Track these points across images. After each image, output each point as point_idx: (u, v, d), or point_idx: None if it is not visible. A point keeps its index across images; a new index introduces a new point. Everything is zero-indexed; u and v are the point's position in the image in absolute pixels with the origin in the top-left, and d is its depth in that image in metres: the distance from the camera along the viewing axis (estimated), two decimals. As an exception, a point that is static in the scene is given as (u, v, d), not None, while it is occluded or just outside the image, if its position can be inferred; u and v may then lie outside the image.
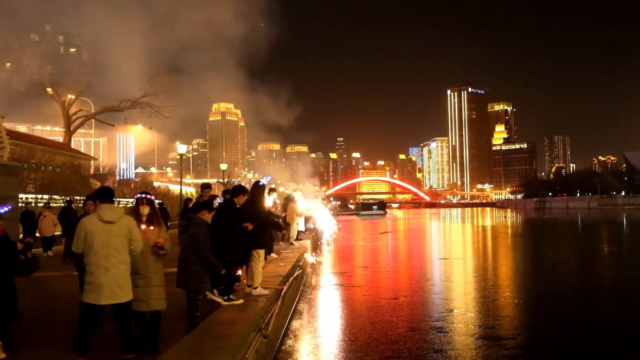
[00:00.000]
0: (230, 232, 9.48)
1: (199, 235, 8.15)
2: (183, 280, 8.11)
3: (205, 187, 14.85)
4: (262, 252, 10.94)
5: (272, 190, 19.79)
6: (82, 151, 76.75)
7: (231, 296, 9.69)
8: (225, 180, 77.30)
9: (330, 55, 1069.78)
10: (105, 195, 6.84)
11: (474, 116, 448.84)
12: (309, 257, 21.13)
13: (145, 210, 7.26)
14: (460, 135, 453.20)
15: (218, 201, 10.65)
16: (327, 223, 35.08)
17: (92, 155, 70.17)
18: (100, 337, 7.23)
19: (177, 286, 8.21)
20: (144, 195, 7.35)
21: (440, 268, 23.13)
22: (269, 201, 14.76)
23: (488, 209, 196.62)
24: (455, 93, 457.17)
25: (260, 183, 11.41)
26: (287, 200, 22.59)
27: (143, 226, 7.17)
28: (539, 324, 12.18)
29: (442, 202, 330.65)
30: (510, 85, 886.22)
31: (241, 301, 9.55)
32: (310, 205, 31.84)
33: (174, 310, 8.31)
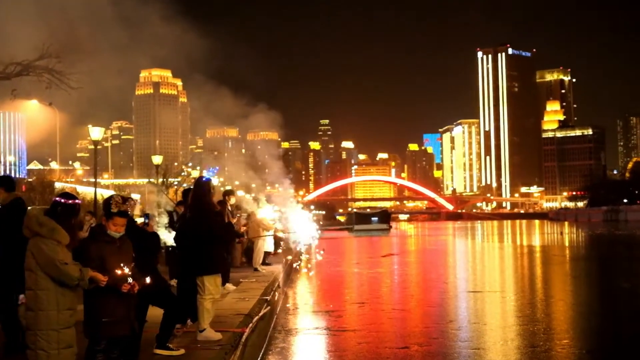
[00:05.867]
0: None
1: None
2: None
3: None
4: (213, 279, 10.89)
5: (228, 193, 19.76)
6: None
7: (168, 344, 9.66)
8: (160, 180, 76.94)
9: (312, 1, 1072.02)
10: None
11: (516, 89, 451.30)
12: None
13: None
14: (497, 117, 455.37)
15: (146, 221, 10.54)
16: (307, 235, 35.25)
17: (-34, 143, 69.56)
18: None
19: None
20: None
21: (469, 305, 23.24)
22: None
23: (536, 221, 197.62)
24: (489, 56, 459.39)
25: (205, 179, 11.43)
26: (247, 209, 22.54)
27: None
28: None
29: (472, 212, 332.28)
30: (568, 45, 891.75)
31: (182, 351, 9.53)
32: (283, 214, 31.78)
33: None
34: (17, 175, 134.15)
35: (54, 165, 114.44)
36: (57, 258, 6.97)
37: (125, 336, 7.92)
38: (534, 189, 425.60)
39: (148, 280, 7.84)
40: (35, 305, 7.06)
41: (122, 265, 7.48)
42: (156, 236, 10.83)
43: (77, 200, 7.55)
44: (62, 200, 7.39)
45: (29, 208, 8.03)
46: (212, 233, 10.82)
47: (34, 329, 7.06)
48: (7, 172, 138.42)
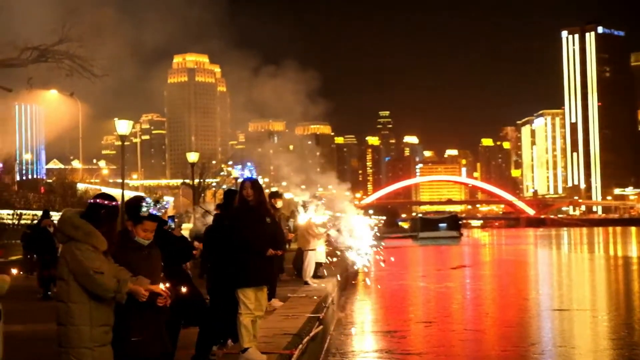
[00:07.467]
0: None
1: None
2: None
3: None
4: (251, 293, 10.85)
5: (274, 195, 19.71)
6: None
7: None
8: (197, 180, 77.67)
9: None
10: None
11: (608, 74, 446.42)
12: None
13: None
14: (585, 107, 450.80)
15: (170, 224, 10.72)
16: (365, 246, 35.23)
17: (-23, 138, 70.62)
18: None
19: None
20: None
21: (554, 325, 23.14)
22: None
23: (633, 228, 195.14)
24: (576, 36, 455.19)
25: (250, 178, 11.43)
26: (292, 214, 22.53)
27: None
28: None
29: (556, 217, 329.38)
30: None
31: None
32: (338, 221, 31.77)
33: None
34: (35, 176, 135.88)
35: (76, 164, 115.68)
36: (91, 266, 6.88)
37: (156, 357, 7.83)
38: (630, 191, 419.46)
39: (184, 289, 7.79)
40: (67, 320, 6.99)
41: (161, 276, 7.43)
42: (185, 240, 10.87)
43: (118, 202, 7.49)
44: (105, 202, 7.28)
45: (63, 210, 7.92)
46: (248, 241, 10.71)
47: (65, 346, 7.01)
48: (24, 171, 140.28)
